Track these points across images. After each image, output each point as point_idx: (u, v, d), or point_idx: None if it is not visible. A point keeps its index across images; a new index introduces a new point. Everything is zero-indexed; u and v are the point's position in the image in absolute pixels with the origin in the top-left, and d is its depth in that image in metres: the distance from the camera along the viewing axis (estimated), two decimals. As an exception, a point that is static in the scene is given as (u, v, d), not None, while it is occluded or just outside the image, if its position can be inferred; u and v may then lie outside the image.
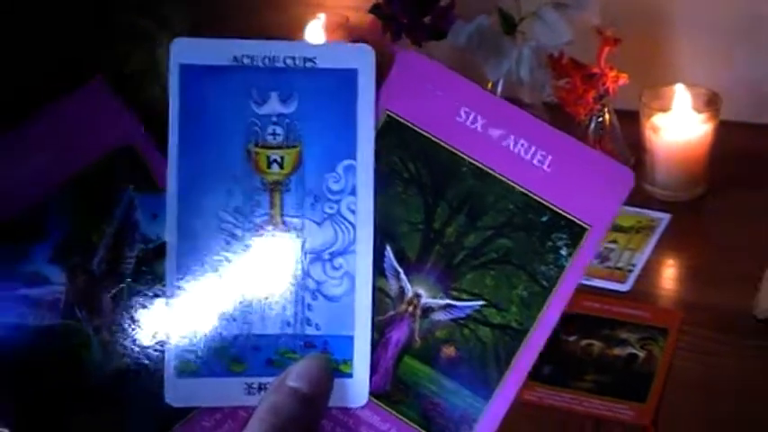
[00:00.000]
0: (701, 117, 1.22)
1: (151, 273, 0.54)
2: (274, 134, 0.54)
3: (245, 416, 0.52)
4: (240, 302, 0.53)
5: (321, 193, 0.54)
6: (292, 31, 1.42)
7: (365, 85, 0.54)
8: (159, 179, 0.54)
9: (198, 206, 0.53)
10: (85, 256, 0.53)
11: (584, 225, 0.53)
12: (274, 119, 0.54)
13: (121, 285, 0.53)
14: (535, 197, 0.54)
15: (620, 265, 1.12)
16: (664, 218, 1.20)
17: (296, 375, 0.52)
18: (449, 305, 0.54)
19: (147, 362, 0.53)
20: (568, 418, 0.92)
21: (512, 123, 0.54)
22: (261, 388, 0.53)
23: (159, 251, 0.53)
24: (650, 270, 1.12)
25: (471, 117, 0.54)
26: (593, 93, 1.24)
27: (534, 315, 0.53)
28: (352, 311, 0.54)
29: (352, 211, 0.54)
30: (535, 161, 0.54)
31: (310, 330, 0.53)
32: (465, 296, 0.54)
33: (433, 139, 0.55)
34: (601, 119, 1.28)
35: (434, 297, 0.54)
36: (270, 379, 0.52)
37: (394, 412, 0.54)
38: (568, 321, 1.01)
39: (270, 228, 0.54)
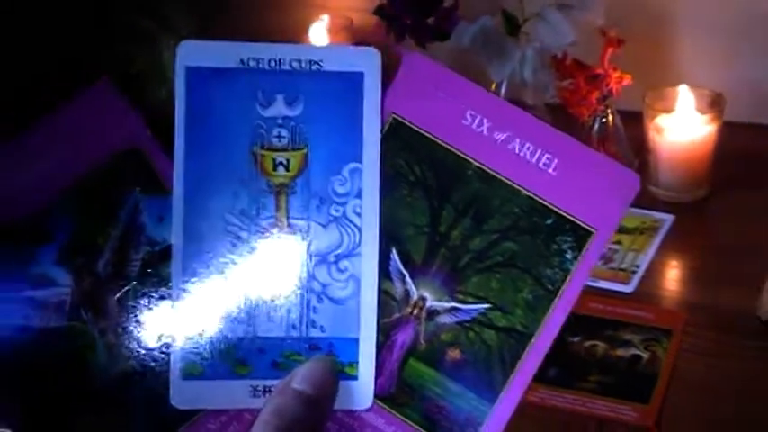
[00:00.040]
0: (705, 118, 1.22)
1: (157, 275, 0.54)
2: (280, 137, 0.54)
3: (251, 418, 0.52)
4: (245, 305, 0.53)
5: (327, 196, 0.54)
6: (296, 33, 1.42)
7: (371, 88, 0.54)
8: (165, 181, 0.54)
9: (204, 209, 0.53)
10: (91, 258, 0.54)
11: (589, 228, 0.53)
12: (280, 121, 0.54)
13: (127, 288, 0.54)
14: (540, 200, 0.54)
15: (623, 266, 1.12)
16: (667, 219, 1.20)
17: (301, 378, 0.52)
18: (454, 308, 0.54)
19: (152, 364, 0.53)
20: (572, 419, 0.92)
21: (517, 126, 0.54)
22: (266, 390, 0.53)
23: (165, 254, 0.54)
24: (654, 271, 1.12)
25: (477, 120, 0.54)
26: (596, 94, 1.24)
27: (539, 318, 0.53)
28: (357, 314, 0.54)
29: (358, 214, 0.54)
30: (541, 164, 0.54)
31: (315, 333, 0.54)
32: (470, 299, 0.54)
33: (438, 142, 0.55)
34: (604, 120, 1.28)
35: (440, 300, 0.54)
36: (275, 381, 0.53)
37: (399, 415, 0.54)
38: (572, 322, 1.01)
39: (275, 230, 0.54)
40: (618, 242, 1.16)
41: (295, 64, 0.54)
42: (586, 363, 0.97)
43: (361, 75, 0.54)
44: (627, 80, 1.24)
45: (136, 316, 0.53)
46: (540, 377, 0.94)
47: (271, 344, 0.53)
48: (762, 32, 1.34)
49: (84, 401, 0.53)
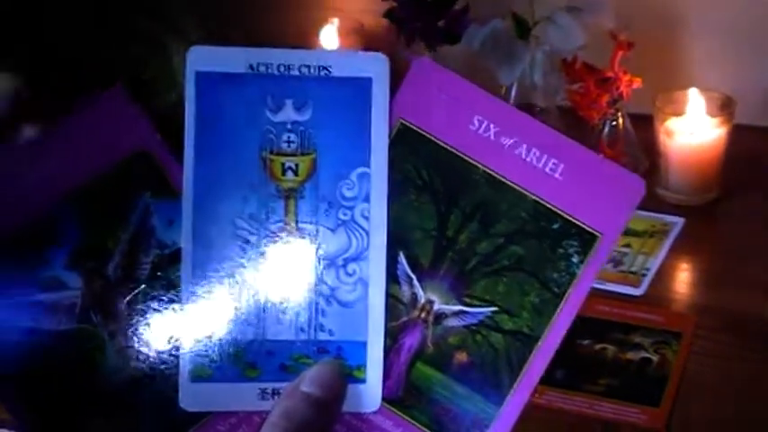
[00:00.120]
0: (715, 121, 1.22)
1: (166, 278, 0.54)
2: (289, 141, 0.54)
3: (259, 421, 0.52)
4: (254, 308, 0.54)
5: (335, 200, 0.54)
6: (306, 36, 1.42)
7: (379, 94, 0.55)
8: (175, 186, 0.54)
9: (213, 212, 0.54)
10: (101, 261, 0.54)
11: (595, 233, 0.53)
12: (289, 126, 0.54)
13: (137, 291, 0.54)
14: (547, 205, 0.54)
15: (633, 269, 1.12)
16: (677, 222, 1.20)
17: (309, 380, 0.52)
18: (461, 311, 0.54)
19: (161, 366, 0.54)
20: (581, 422, 0.92)
21: (524, 132, 0.54)
22: (275, 393, 0.53)
23: (175, 257, 0.54)
24: (664, 274, 1.12)
25: (484, 125, 0.55)
26: (606, 97, 1.24)
27: (546, 321, 0.53)
28: (365, 317, 0.54)
29: (366, 218, 0.54)
30: (547, 169, 0.54)
31: (324, 336, 0.54)
32: (477, 302, 0.54)
33: (446, 147, 0.55)
34: (614, 123, 1.28)
35: (447, 303, 0.54)
36: (284, 384, 0.53)
37: (406, 417, 0.54)
38: (582, 325, 1.01)
39: (284, 234, 0.54)
40: (628, 245, 1.16)
41: (304, 69, 0.54)
42: (596, 365, 0.97)
43: (369, 80, 0.55)
44: (637, 83, 1.24)
45: (145, 319, 0.54)
46: (549, 380, 0.94)
47: (279, 347, 0.54)
48: (773, 36, 1.34)
49: (94, 404, 0.53)
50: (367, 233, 0.54)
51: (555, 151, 0.54)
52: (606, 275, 1.10)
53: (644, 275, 1.11)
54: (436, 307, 0.54)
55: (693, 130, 1.23)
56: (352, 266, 0.54)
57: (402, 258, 0.55)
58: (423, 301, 0.54)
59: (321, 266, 0.54)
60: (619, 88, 1.24)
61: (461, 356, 0.54)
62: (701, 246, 1.18)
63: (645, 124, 1.26)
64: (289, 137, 0.54)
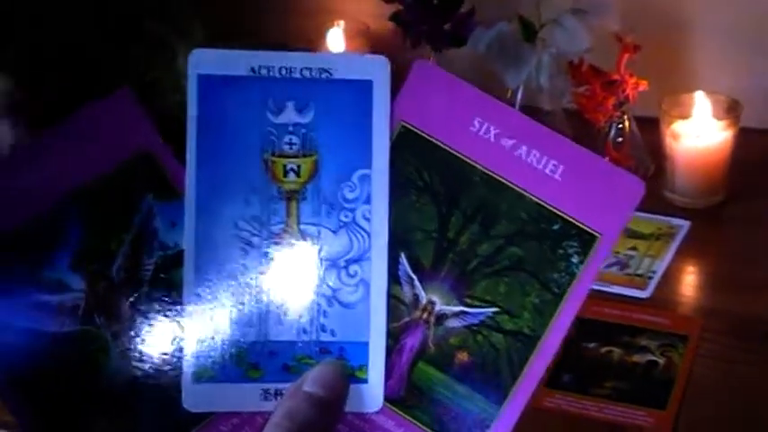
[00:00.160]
0: (721, 124, 1.22)
1: (169, 280, 0.54)
2: (290, 143, 0.55)
3: (262, 421, 0.53)
4: (257, 309, 0.54)
5: (337, 202, 0.54)
6: (312, 39, 1.42)
7: (380, 96, 0.55)
8: (178, 188, 0.55)
9: (216, 214, 0.54)
10: (104, 262, 0.54)
11: (594, 233, 0.54)
12: (290, 128, 0.55)
13: (140, 292, 0.54)
14: (547, 206, 0.54)
15: (639, 271, 1.12)
16: (683, 225, 1.20)
17: (312, 381, 0.52)
18: (462, 312, 0.54)
19: (164, 367, 0.54)
20: (588, 425, 0.92)
21: (524, 133, 0.55)
22: (277, 394, 0.54)
23: (177, 259, 0.54)
24: (670, 277, 1.12)
25: (484, 127, 0.55)
26: (612, 100, 1.24)
27: (546, 322, 0.53)
28: (367, 318, 0.54)
29: (368, 220, 0.54)
30: (547, 171, 0.54)
31: (326, 337, 0.54)
32: (478, 303, 0.54)
33: (446, 148, 0.55)
34: (620, 126, 1.27)
35: (448, 304, 0.55)
36: (286, 385, 0.53)
37: (408, 417, 0.54)
38: (588, 328, 1.01)
39: (286, 236, 0.54)
40: (634, 248, 1.16)
41: (305, 72, 0.55)
42: (602, 369, 0.97)
43: (370, 83, 0.55)
44: (643, 86, 1.24)
45: (148, 320, 0.54)
46: (556, 383, 0.94)
47: (282, 348, 0.54)
48: (780, 39, 1.34)
49: (97, 405, 0.54)
50: (368, 234, 0.54)
51: (554, 152, 0.54)
52: (612, 278, 1.10)
53: (650, 278, 1.11)
54: (437, 307, 0.55)
55: (700, 133, 1.22)
56: (353, 268, 0.54)
57: (403, 259, 0.55)
58: (424, 301, 0.55)
59: (323, 268, 0.54)
60: (625, 91, 1.24)
61: (463, 356, 0.54)
62: (707, 249, 1.18)
63: (651, 127, 1.26)
64: (290, 139, 0.54)
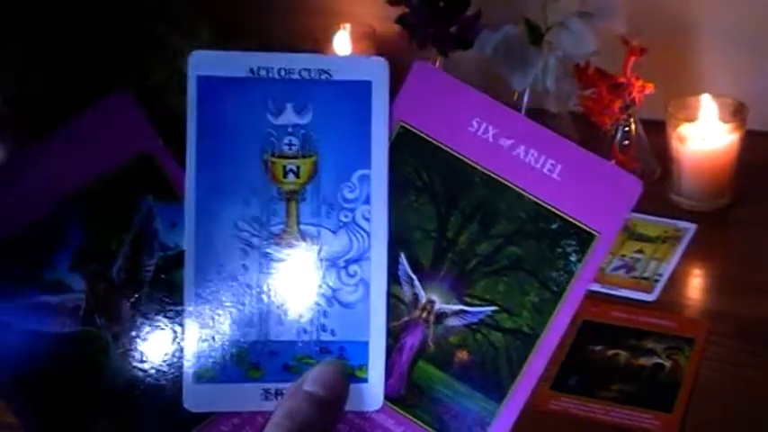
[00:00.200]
0: (728, 127, 1.22)
1: (170, 280, 0.55)
2: (290, 144, 0.55)
3: (263, 421, 0.53)
4: (257, 309, 0.54)
5: (336, 202, 0.55)
6: (319, 41, 1.42)
7: (379, 97, 0.55)
8: (178, 189, 0.55)
9: (216, 215, 0.54)
10: (105, 263, 0.54)
11: (593, 232, 0.54)
12: (290, 129, 0.55)
13: (140, 293, 0.54)
14: (545, 205, 0.54)
15: (646, 274, 1.12)
16: (690, 228, 1.20)
17: (312, 380, 0.52)
18: (462, 311, 0.54)
19: (165, 368, 0.54)
20: (594, 428, 0.91)
21: (522, 133, 0.55)
22: (278, 393, 0.54)
23: (178, 259, 0.54)
24: (676, 280, 1.12)
25: (483, 127, 0.55)
26: (619, 102, 1.24)
27: (545, 320, 0.54)
28: (367, 317, 0.54)
29: (367, 220, 0.55)
30: (545, 170, 0.54)
31: (326, 336, 0.54)
32: (478, 302, 0.54)
33: (445, 149, 0.55)
34: (627, 129, 1.27)
35: (448, 303, 0.55)
36: (287, 384, 0.53)
37: (408, 416, 0.54)
38: (595, 331, 1.01)
39: (286, 236, 0.54)
40: (640, 251, 1.15)
41: (304, 73, 0.55)
42: (608, 371, 0.97)
43: (369, 84, 0.55)
44: (649, 89, 1.24)
45: (149, 321, 0.54)
46: (562, 386, 0.94)
47: (282, 347, 0.54)
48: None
49: (98, 405, 0.54)
50: (368, 234, 0.55)
51: (553, 152, 0.54)
52: (619, 281, 1.10)
53: (656, 281, 1.11)
54: (437, 307, 0.55)
55: (706, 136, 1.22)
56: (353, 267, 0.55)
57: (403, 259, 0.55)
58: (424, 300, 0.55)
59: (323, 268, 0.54)
60: (631, 94, 1.24)
61: (462, 355, 0.54)
62: (713, 251, 1.17)
63: (657, 130, 1.26)
64: (290, 140, 0.55)
